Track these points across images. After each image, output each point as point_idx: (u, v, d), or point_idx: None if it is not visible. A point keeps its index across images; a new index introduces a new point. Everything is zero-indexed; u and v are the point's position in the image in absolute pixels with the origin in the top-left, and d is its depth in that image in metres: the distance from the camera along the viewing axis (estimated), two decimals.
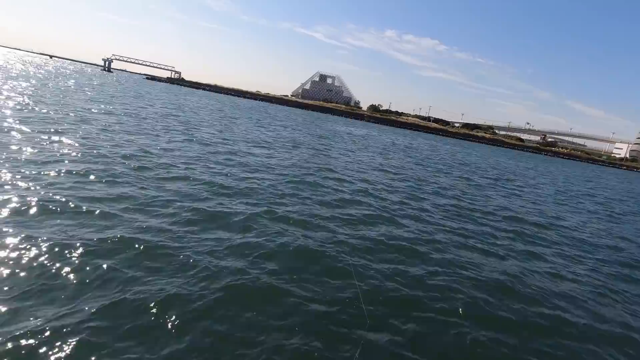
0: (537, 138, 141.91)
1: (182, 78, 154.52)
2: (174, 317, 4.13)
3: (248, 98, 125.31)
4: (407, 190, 13.82)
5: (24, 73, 46.77)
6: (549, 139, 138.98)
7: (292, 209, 8.73)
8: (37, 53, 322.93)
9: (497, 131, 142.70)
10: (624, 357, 5.05)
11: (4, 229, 5.38)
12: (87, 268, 4.80)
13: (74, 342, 3.54)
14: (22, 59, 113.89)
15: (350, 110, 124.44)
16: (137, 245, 5.53)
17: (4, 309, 3.84)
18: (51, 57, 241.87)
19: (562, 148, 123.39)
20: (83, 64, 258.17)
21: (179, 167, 11.00)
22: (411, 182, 15.96)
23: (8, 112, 15.13)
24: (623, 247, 11.27)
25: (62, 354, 3.41)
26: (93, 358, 3.44)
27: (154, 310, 4.19)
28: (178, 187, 8.86)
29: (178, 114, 28.05)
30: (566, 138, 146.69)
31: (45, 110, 17.32)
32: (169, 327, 4.00)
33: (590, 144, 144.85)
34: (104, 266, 4.87)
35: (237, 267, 5.44)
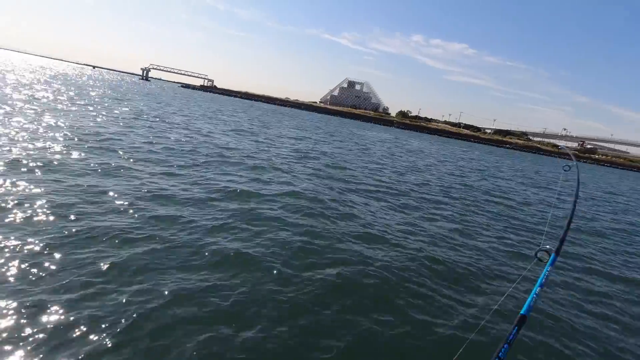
0: (575, 145, 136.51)
1: (215, 86, 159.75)
2: None
3: (278, 105, 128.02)
4: None
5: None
6: (588, 146, 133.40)
7: None
8: (81, 64, 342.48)
9: (531, 137, 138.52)
10: None
11: None
12: None
13: None
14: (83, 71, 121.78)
15: (379, 117, 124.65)
16: None
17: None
18: (93, 67, 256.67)
19: (602, 155, 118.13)
20: (122, 74, 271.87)
21: None
22: None
23: None
24: None
25: None
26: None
27: None
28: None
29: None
30: (606, 145, 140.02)
31: None
32: None
33: (633, 151, 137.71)
34: None
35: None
